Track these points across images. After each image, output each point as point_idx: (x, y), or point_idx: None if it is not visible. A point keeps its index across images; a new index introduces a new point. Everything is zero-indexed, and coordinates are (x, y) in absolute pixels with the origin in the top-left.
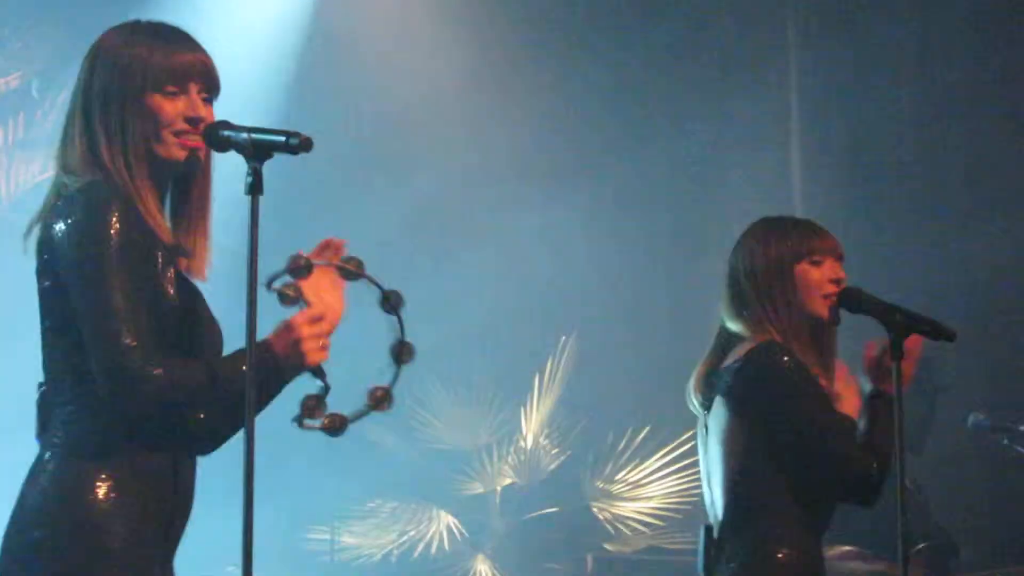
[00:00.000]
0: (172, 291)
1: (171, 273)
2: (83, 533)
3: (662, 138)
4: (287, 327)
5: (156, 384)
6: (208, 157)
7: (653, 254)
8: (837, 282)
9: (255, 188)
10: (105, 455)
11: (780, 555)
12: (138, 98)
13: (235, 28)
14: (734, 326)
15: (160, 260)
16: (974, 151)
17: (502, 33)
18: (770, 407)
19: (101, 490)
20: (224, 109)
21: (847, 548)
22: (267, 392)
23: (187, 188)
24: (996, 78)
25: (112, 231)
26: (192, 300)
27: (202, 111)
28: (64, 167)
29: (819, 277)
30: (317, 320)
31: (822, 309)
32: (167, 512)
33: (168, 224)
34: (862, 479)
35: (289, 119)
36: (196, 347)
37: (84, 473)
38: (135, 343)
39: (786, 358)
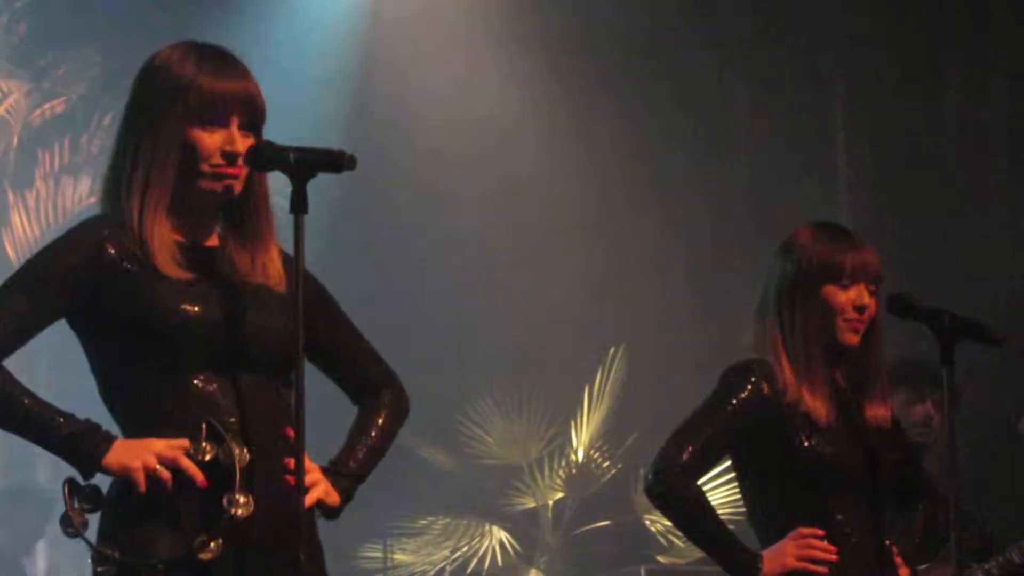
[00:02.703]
0: (173, 307)
1: (162, 292)
2: None
3: (710, 159)
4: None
5: None
6: (261, 180)
7: (701, 266)
8: (860, 309)
9: (299, 207)
10: None
11: None
12: (178, 128)
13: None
14: (747, 333)
15: (142, 282)
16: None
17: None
18: None
19: None
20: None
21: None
22: (35, 441)
23: (242, 213)
24: None
25: (53, 249)
26: (226, 312)
27: (239, 146)
28: (98, 196)
29: (843, 301)
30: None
31: (838, 334)
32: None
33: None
34: (649, 478)
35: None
36: (231, 354)
37: None
38: None
39: (740, 379)
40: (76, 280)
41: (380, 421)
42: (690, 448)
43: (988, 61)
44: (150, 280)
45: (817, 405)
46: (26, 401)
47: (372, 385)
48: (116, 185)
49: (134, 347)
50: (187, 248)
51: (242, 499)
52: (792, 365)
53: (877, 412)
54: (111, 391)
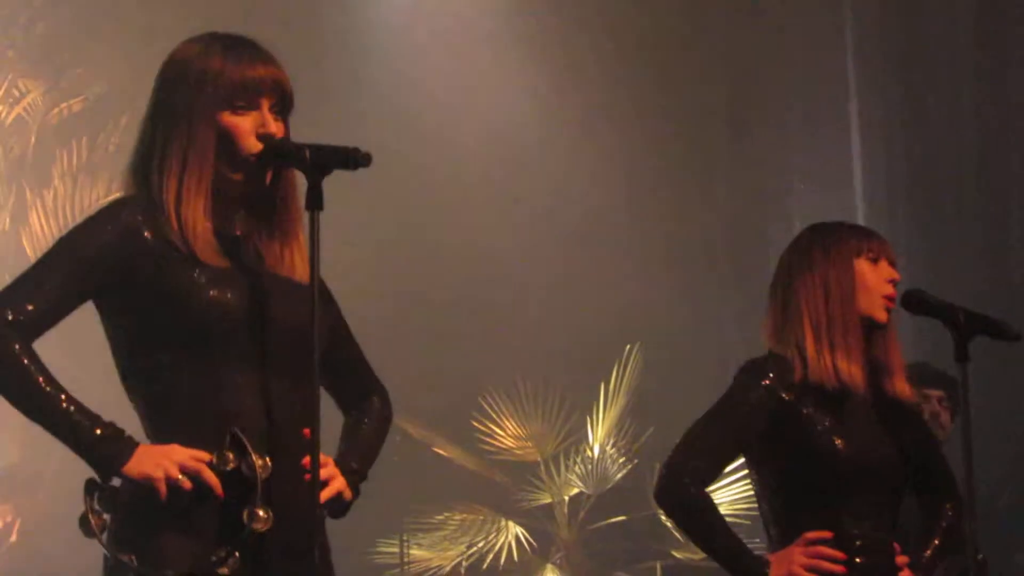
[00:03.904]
0: (208, 293)
1: (198, 278)
2: None
3: (726, 159)
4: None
5: None
6: (289, 172)
7: (718, 264)
8: (894, 283)
9: (314, 203)
10: None
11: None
12: (209, 116)
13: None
14: (766, 333)
15: (178, 267)
16: None
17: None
18: None
19: None
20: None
21: None
22: (48, 428)
23: (271, 204)
24: None
25: (88, 228)
26: (256, 302)
27: (272, 127)
28: (122, 183)
29: (877, 277)
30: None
31: (879, 311)
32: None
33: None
34: (657, 483)
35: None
36: (259, 343)
37: None
38: (7, 314)
39: (751, 378)
40: (109, 260)
41: (373, 426)
42: (699, 454)
43: (1005, 56)
44: (186, 265)
45: (853, 372)
46: (52, 394)
47: (363, 392)
48: (146, 172)
49: (163, 331)
50: (220, 236)
51: (262, 513)
52: (820, 344)
53: (905, 388)
54: (133, 379)
